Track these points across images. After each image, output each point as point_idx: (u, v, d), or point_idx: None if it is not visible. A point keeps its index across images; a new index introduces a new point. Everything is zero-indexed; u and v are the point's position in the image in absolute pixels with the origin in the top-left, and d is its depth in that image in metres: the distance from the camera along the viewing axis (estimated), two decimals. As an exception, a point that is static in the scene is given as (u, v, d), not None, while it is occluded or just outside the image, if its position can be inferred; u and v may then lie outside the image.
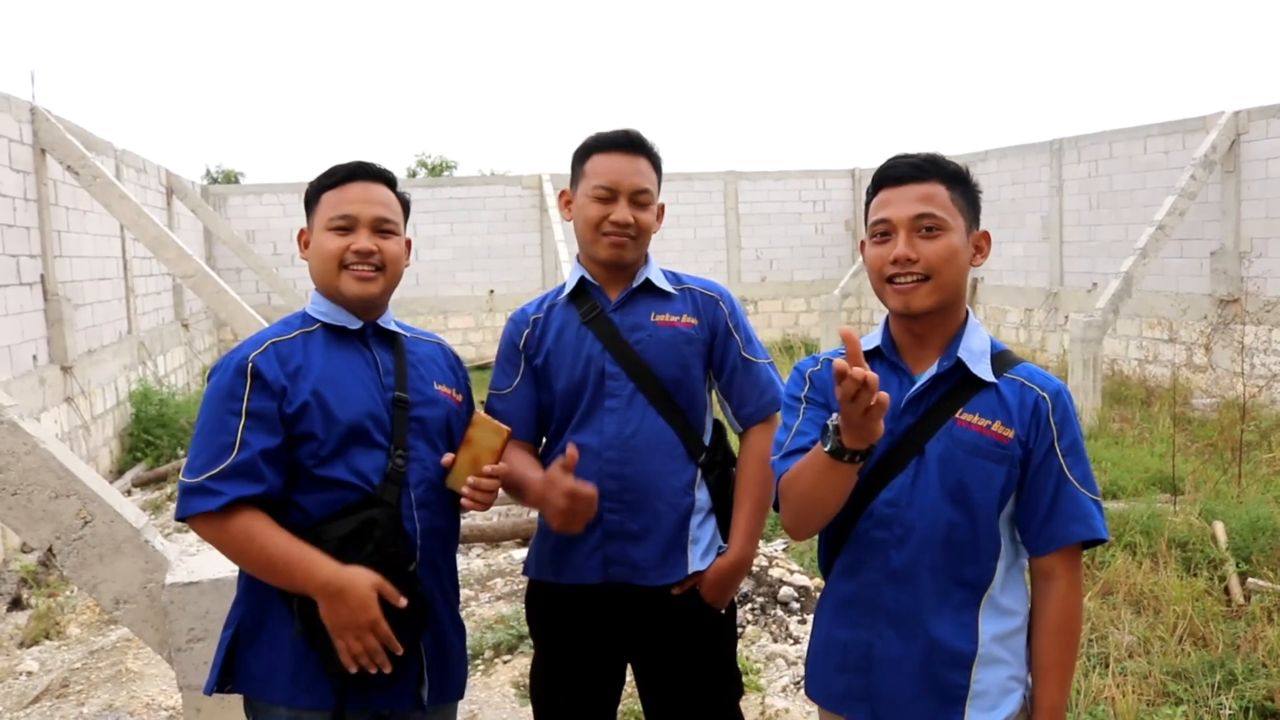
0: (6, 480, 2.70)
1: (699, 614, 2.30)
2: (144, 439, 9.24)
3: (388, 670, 1.90)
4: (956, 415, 1.79)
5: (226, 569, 2.75)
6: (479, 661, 4.38)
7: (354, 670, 1.88)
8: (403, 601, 1.89)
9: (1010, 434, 1.77)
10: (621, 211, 2.26)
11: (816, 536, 1.94)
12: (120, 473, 8.79)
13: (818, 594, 4.83)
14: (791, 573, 5.05)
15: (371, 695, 1.95)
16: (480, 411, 2.17)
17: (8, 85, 11.73)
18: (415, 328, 2.26)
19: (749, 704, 3.54)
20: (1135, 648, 4.11)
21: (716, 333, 2.36)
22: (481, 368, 10.66)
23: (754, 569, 5.01)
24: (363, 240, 2.03)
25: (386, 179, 2.12)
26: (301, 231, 2.14)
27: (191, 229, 13.83)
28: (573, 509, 2.03)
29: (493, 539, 6.29)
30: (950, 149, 15.55)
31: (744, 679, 2.54)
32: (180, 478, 1.92)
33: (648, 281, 2.34)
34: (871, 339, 1.88)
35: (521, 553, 5.94)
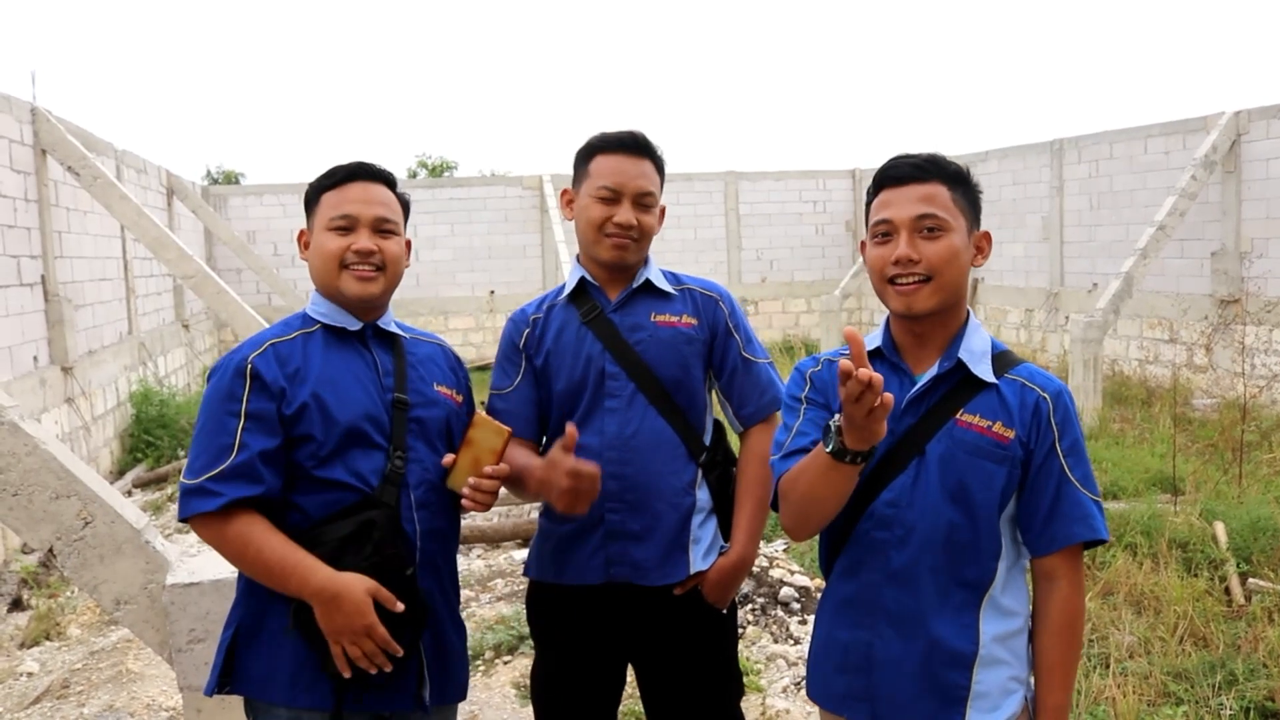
0: (7, 481, 2.70)
1: (700, 614, 2.30)
2: (144, 440, 9.24)
3: (388, 670, 1.90)
4: (957, 416, 1.79)
5: (227, 570, 2.74)
6: (479, 662, 4.38)
7: (348, 675, 1.88)
8: (399, 607, 1.89)
9: (1011, 435, 1.77)
10: (625, 213, 2.26)
11: (817, 537, 1.94)
12: (121, 473, 8.79)
13: (818, 595, 4.83)
14: (792, 573, 5.06)
15: (371, 696, 1.95)
16: (481, 412, 2.17)
17: (8, 86, 11.73)
18: (416, 328, 2.26)
19: (749, 704, 3.54)
20: (1136, 648, 4.11)
21: (716, 333, 2.36)
22: (482, 368, 10.66)
23: (754, 569, 5.01)
24: (363, 240, 2.03)
25: (386, 179, 2.12)
26: (301, 232, 2.14)
27: (192, 230, 13.83)
28: (576, 488, 2.01)
29: (493, 540, 6.29)
30: (951, 149, 15.56)
31: (744, 679, 2.54)
32: (181, 479, 1.92)
33: (648, 282, 2.34)
34: (872, 339, 1.88)
35: (522, 553, 5.94)
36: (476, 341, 15.25)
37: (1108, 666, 3.93)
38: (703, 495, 2.32)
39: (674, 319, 2.32)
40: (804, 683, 2.05)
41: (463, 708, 3.77)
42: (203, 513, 1.87)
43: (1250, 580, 4.73)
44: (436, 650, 2.06)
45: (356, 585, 1.86)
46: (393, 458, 1.99)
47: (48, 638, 5.19)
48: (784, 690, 4.01)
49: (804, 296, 16.54)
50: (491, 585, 5.45)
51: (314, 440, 1.93)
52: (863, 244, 1.87)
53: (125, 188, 9.16)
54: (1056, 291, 12.67)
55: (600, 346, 2.29)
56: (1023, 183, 13.39)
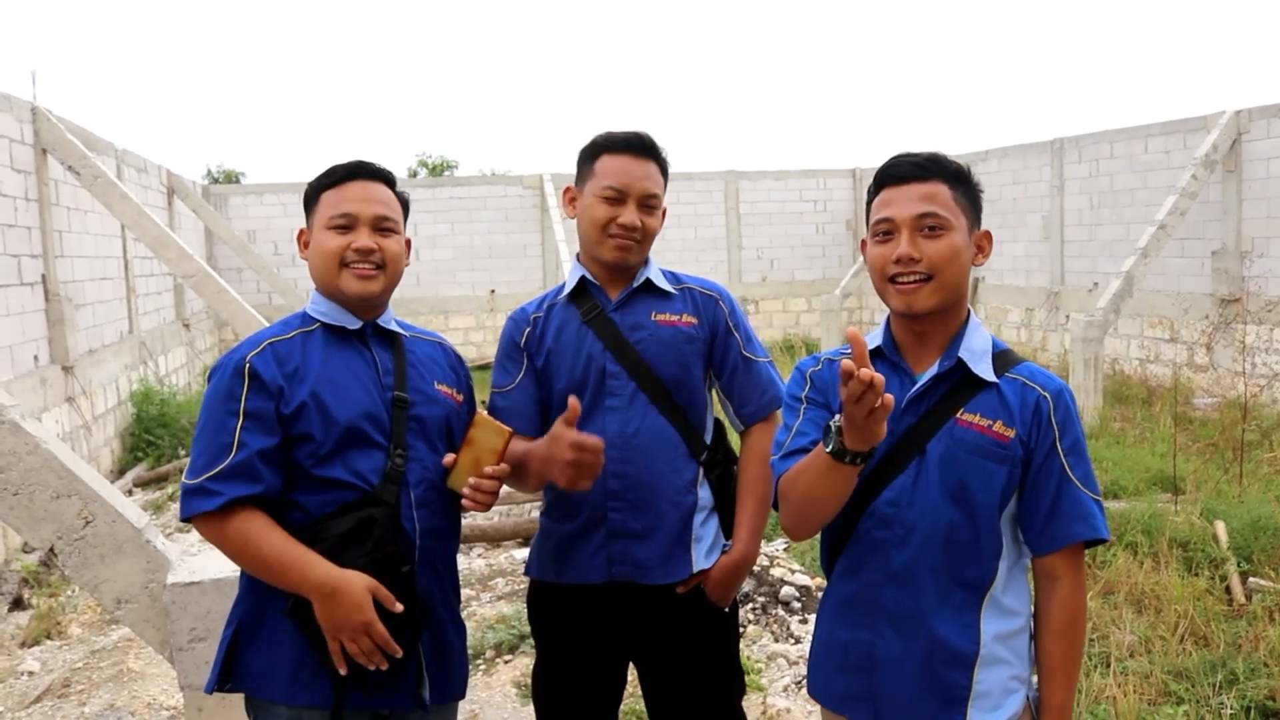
0: (8, 480, 2.70)
1: (702, 613, 2.31)
2: (145, 439, 9.25)
3: (384, 668, 1.90)
4: (958, 415, 1.78)
5: (228, 569, 2.75)
6: (480, 661, 4.38)
7: (344, 672, 1.89)
8: (399, 607, 1.89)
9: (1011, 434, 1.77)
10: (630, 215, 2.25)
11: (819, 536, 1.94)
12: (121, 473, 8.79)
13: (819, 594, 4.84)
14: (793, 572, 5.06)
15: (371, 694, 1.95)
16: (482, 412, 2.17)
17: (9, 85, 11.74)
18: (417, 327, 2.26)
19: (750, 704, 3.54)
20: (1136, 647, 4.11)
21: (717, 332, 2.36)
22: (482, 368, 10.66)
23: (755, 569, 5.01)
24: (363, 238, 2.03)
25: (386, 178, 2.12)
26: (301, 231, 2.14)
27: (192, 229, 13.84)
28: (580, 460, 2.00)
29: (494, 539, 6.29)
30: (951, 148, 15.54)
31: (745, 679, 2.54)
32: (182, 479, 1.93)
33: (648, 281, 2.34)
34: (873, 339, 1.88)
35: (523, 553, 5.94)
36: (477, 341, 15.25)
37: (1108, 665, 3.93)
38: (704, 494, 2.32)
39: (674, 318, 2.32)
40: (805, 682, 2.05)
41: (463, 707, 3.77)
42: (203, 512, 1.87)
43: (1251, 579, 4.73)
44: (436, 650, 2.06)
45: (356, 581, 1.86)
46: (393, 456, 1.99)
47: (49, 637, 5.19)
48: (785, 689, 4.01)
49: (804, 296, 16.53)
50: (492, 584, 5.45)
51: (313, 440, 1.93)
52: (863, 243, 1.87)
53: (126, 187, 9.16)
54: (1057, 291, 12.67)
55: (601, 346, 2.29)
56: (1023, 182, 13.39)
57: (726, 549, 2.32)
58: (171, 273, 10.61)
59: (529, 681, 2.50)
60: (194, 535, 6.10)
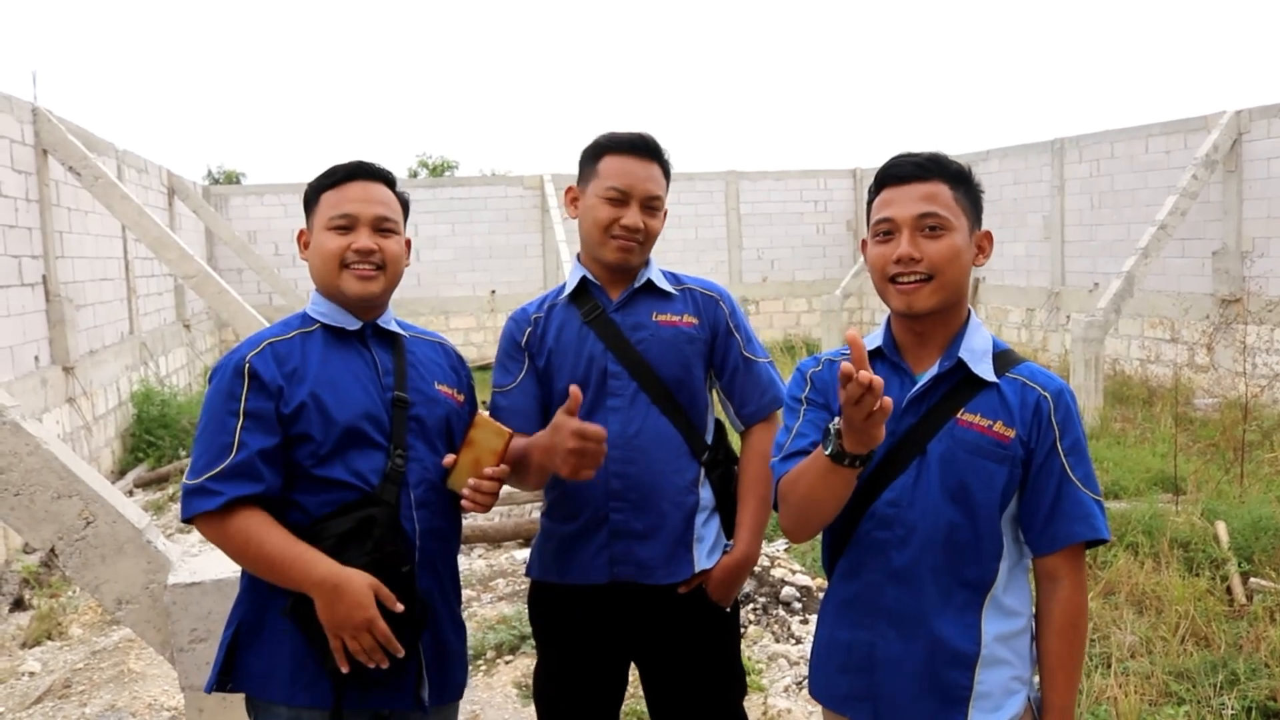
0: (9, 481, 2.70)
1: (704, 612, 2.31)
2: (145, 439, 9.25)
3: (385, 666, 1.90)
4: (958, 415, 1.78)
5: (228, 569, 2.75)
6: (481, 662, 4.38)
7: (346, 669, 1.88)
8: (399, 607, 1.89)
9: (1011, 434, 1.77)
10: (633, 216, 2.25)
11: (820, 537, 1.94)
12: (122, 473, 8.80)
13: (819, 594, 4.84)
14: (794, 573, 5.06)
15: (370, 694, 1.95)
16: (483, 413, 2.17)
17: (10, 86, 11.74)
18: (418, 327, 2.26)
19: (751, 704, 3.54)
20: (1137, 648, 4.10)
21: (717, 332, 2.36)
22: (483, 368, 10.66)
23: (756, 569, 5.01)
24: (363, 239, 2.03)
25: (386, 178, 2.12)
26: (301, 232, 2.14)
27: (193, 229, 13.84)
28: (583, 448, 1.99)
29: (495, 539, 6.29)
30: (952, 148, 15.54)
31: (747, 679, 2.54)
32: (183, 480, 1.93)
33: (649, 282, 2.34)
34: (873, 339, 1.88)
35: (523, 553, 5.94)
36: (478, 341, 15.25)
37: (1109, 666, 3.93)
38: (705, 494, 2.32)
39: (675, 318, 2.32)
40: (805, 682, 2.05)
41: (464, 707, 3.77)
42: (205, 511, 1.87)
43: (1252, 580, 4.73)
44: (436, 650, 2.06)
45: (359, 579, 1.86)
46: (393, 456, 1.99)
47: (49, 637, 5.19)
48: (786, 690, 4.01)
49: (805, 296, 16.54)
50: (493, 585, 5.45)
51: (313, 440, 1.93)
52: (864, 243, 1.87)
53: (126, 188, 9.16)
54: (1058, 291, 12.67)
55: (602, 346, 2.29)
56: (1024, 182, 13.39)
57: (728, 549, 2.32)
58: (172, 273, 10.61)
59: (530, 682, 2.50)
60: (195, 536, 6.10)
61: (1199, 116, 10.54)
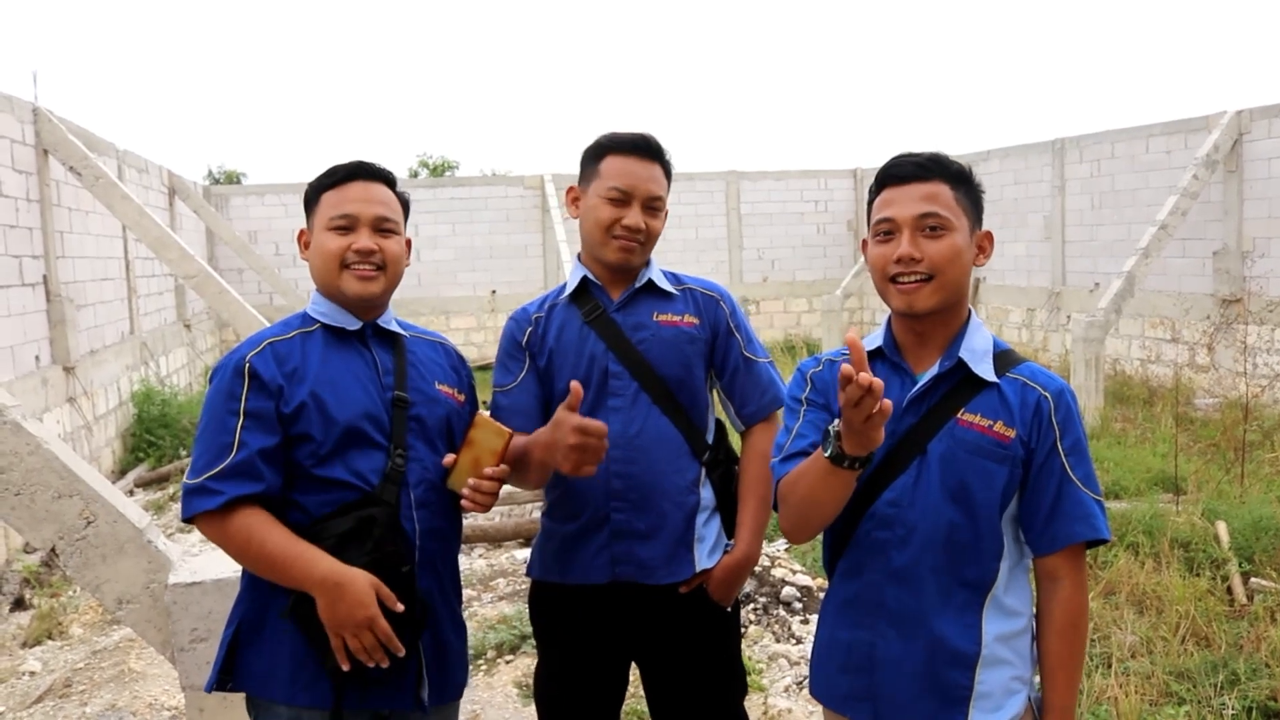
0: (9, 481, 2.70)
1: (704, 612, 2.31)
2: (146, 439, 9.25)
3: (385, 665, 1.90)
4: (958, 415, 1.78)
5: (229, 569, 2.75)
6: (481, 662, 4.38)
7: (347, 668, 1.89)
8: (400, 607, 1.89)
9: (1012, 434, 1.77)
10: (634, 216, 2.26)
11: (821, 537, 1.94)
12: (122, 473, 8.80)
13: (820, 594, 4.84)
14: (794, 573, 5.06)
15: (370, 694, 1.95)
16: (483, 413, 2.17)
17: (10, 86, 11.75)
18: (419, 327, 2.26)
19: (751, 704, 3.54)
20: (1138, 648, 4.10)
21: (718, 332, 2.36)
22: (483, 368, 10.66)
23: (757, 569, 5.01)
24: (363, 239, 2.04)
25: (386, 178, 2.12)
26: (301, 232, 2.14)
27: (194, 229, 13.84)
28: (584, 444, 1.99)
29: (495, 539, 6.29)
30: (952, 148, 15.54)
31: (747, 679, 2.54)
32: (184, 479, 1.93)
33: (650, 282, 2.34)
34: (873, 339, 1.88)
35: (524, 553, 5.94)
36: (478, 341, 15.26)
37: (1110, 666, 3.93)
38: (706, 494, 2.33)
39: (676, 318, 2.33)
40: (806, 682, 2.05)
41: (465, 707, 3.77)
42: (205, 511, 1.87)
43: (1252, 580, 4.73)
44: (436, 650, 2.06)
45: (360, 577, 1.86)
46: (393, 456, 1.99)
47: (50, 637, 5.19)
48: (786, 690, 4.01)
49: (805, 296, 16.54)
50: (493, 585, 5.45)
51: (313, 440, 1.94)
52: (864, 243, 1.87)
53: (127, 188, 9.17)
54: (1058, 291, 12.66)
55: (603, 346, 2.29)
56: (1024, 182, 13.39)
57: (729, 549, 2.32)
58: (173, 273, 10.61)
59: (530, 682, 2.50)
60: (195, 536, 6.10)
61: (1200, 116, 10.54)
